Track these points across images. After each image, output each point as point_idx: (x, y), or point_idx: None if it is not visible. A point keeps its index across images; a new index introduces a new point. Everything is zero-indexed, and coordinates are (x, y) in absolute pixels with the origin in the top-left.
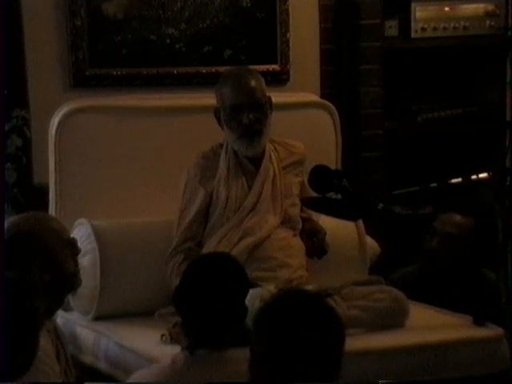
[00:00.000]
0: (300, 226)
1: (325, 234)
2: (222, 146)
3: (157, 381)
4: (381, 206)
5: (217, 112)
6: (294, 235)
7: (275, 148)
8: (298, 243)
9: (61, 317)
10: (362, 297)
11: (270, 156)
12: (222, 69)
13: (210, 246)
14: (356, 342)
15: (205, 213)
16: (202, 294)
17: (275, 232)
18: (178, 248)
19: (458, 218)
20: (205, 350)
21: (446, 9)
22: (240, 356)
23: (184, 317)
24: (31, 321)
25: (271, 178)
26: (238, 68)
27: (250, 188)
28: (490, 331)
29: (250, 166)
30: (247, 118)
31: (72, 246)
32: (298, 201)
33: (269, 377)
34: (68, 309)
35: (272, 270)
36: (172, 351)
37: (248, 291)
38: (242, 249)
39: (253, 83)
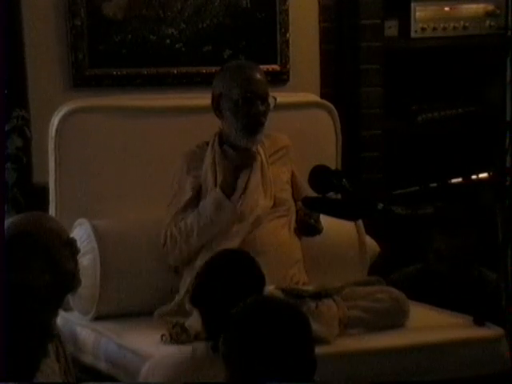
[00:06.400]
0: (294, 209)
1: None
2: (207, 143)
3: (178, 370)
4: (381, 206)
5: (215, 99)
6: (289, 228)
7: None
8: (294, 240)
9: (61, 317)
10: (362, 297)
11: (257, 148)
12: None
13: None
14: (356, 342)
15: (196, 199)
16: (220, 291)
17: (270, 225)
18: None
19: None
20: None
21: (446, 9)
22: None
23: (204, 315)
24: (30, 322)
25: (259, 165)
26: (243, 61)
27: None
28: (490, 331)
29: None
30: (257, 109)
31: (71, 246)
32: (288, 187)
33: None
34: (68, 309)
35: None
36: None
37: (264, 287)
38: (233, 235)
39: (261, 76)
